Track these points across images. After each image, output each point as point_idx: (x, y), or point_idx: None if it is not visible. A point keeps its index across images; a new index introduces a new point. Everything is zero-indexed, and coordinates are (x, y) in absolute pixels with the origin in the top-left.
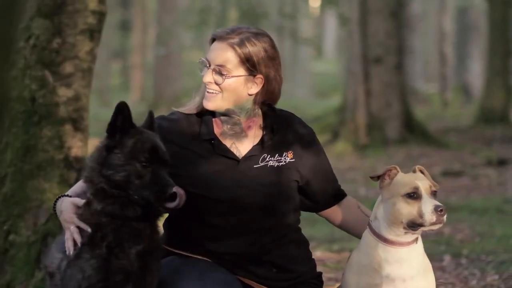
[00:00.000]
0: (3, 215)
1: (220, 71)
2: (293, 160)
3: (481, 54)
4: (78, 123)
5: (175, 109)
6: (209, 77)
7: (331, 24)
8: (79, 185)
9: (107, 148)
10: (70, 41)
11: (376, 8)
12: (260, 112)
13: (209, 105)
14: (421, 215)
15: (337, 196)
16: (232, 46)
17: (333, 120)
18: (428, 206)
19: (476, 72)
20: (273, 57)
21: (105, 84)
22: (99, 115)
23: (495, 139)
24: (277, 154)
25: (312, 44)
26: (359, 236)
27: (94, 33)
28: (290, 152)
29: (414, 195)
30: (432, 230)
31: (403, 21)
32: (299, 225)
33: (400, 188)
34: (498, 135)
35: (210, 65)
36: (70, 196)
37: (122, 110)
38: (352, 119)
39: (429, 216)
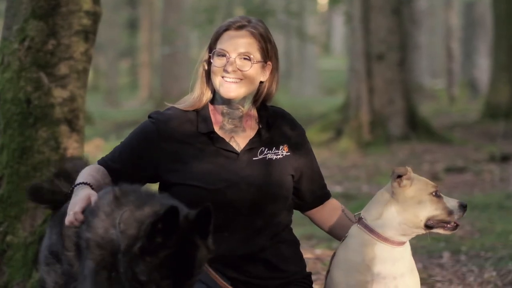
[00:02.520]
0: (0, 216)
1: (247, 57)
2: (289, 153)
3: (488, 49)
4: (73, 124)
5: (170, 105)
6: (232, 65)
7: (339, 21)
8: (95, 173)
9: (141, 250)
10: (65, 42)
11: (378, 5)
12: (254, 109)
13: (231, 94)
14: (449, 212)
15: (324, 196)
16: (251, 33)
17: (337, 118)
18: (454, 203)
19: (483, 67)
20: (275, 45)
21: (113, 83)
22: (107, 114)
23: (499, 134)
24: (274, 147)
25: (318, 42)
26: (336, 238)
27: (88, 34)
28: (285, 146)
29: (438, 193)
30: (447, 233)
31: (409, 17)
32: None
33: (424, 187)
34: (501, 130)
35: (229, 55)
36: (92, 187)
37: (168, 216)
38: (355, 116)
39: (458, 213)
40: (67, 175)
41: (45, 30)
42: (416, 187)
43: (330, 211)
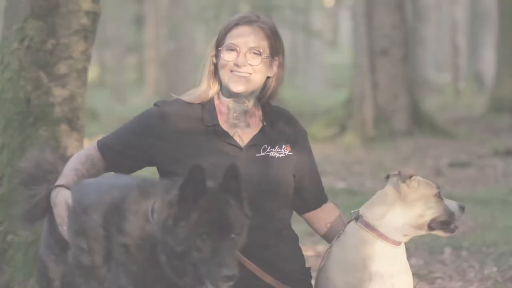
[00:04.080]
0: (1, 216)
1: (257, 52)
2: (291, 153)
3: (494, 42)
4: (73, 123)
5: (176, 96)
6: (243, 59)
7: (346, 15)
8: (80, 165)
9: (175, 218)
10: (64, 41)
11: (381, 0)
12: (259, 106)
13: (239, 88)
14: (450, 213)
15: (322, 198)
16: (261, 28)
17: (341, 113)
18: (454, 204)
19: (489, 61)
20: (282, 41)
21: (120, 79)
22: (113, 110)
23: (503, 128)
24: (277, 146)
25: (324, 37)
26: (330, 242)
27: (88, 34)
28: (288, 145)
29: (440, 195)
30: (446, 235)
31: (415, 11)
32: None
33: (429, 188)
34: (505, 124)
35: (239, 49)
36: (66, 187)
37: (194, 176)
38: (359, 111)
39: (458, 214)
40: (36, 178)
41: (45, 30)
42: (423, 188)
43: (328, 214)
